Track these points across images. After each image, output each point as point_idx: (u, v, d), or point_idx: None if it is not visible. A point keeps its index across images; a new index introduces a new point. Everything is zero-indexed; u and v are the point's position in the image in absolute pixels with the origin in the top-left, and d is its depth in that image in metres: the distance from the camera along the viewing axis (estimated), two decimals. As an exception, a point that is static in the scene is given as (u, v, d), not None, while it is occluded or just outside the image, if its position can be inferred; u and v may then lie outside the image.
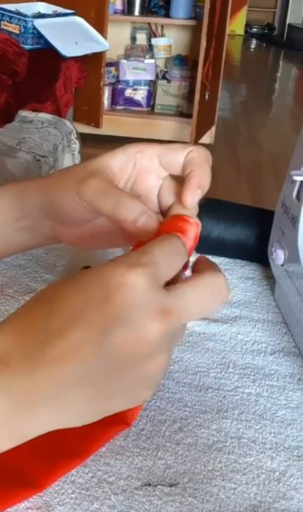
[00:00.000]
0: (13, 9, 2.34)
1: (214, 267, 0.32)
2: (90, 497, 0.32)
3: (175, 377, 0.41)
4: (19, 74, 2.23)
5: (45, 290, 0.31)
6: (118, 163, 0.38)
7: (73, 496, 0.32)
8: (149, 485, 0.33)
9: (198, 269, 0.32)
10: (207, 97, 2.81)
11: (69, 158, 2.10)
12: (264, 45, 5.80)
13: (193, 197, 0.36)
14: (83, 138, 2.28)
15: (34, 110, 2.13)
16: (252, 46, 5.35)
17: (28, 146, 1.95)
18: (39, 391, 0.28)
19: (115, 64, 3.02)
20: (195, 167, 0.37)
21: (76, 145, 2.16)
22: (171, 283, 0.30)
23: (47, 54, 2.31)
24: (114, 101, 3.10)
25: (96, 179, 0.37)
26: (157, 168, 0.39)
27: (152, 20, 3.03)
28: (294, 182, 0.50)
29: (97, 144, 2.68)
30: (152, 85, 3.14)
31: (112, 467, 0.34)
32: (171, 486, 0.33)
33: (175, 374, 0.42)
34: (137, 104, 3.05)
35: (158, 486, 0.32)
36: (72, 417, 0.30)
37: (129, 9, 2.94)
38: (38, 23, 2.23)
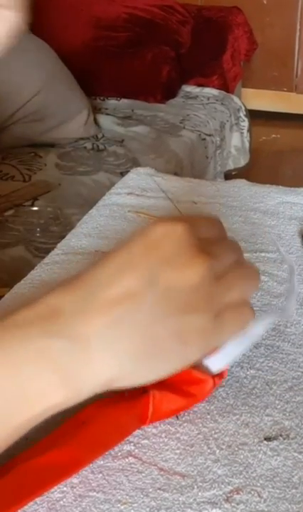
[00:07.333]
0: None
1: None
2: (194, 452, 0.46)
3: (290, 339, 0.59)
4: (183, 45, 2.90)
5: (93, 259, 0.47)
6: None
7: (178, 451, 0.47)
8: (269, 439, 0.47)
9: None
10: None
11: (237, 137, 2.66)
12: None
13: None
14: (253, 115, 2.83)
15: (199, 85, 2.76)
16: None
17: (192, 123, 2.57)
18: (93, 333, 0.42)
19: None
20: None
21: (245, 123, 2.73)
22: None
23: (213, 23, 2.96)
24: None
25: None
26: None
27: None
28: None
29: (268, 122, 3.23)
30: None
31: (219, 424, 0.49)
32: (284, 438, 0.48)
33: (291, 336, 0.60)
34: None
35: (264, 441, 0.47)
36: (126, 368, 0.43)
37: None
38: None
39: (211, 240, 0.48)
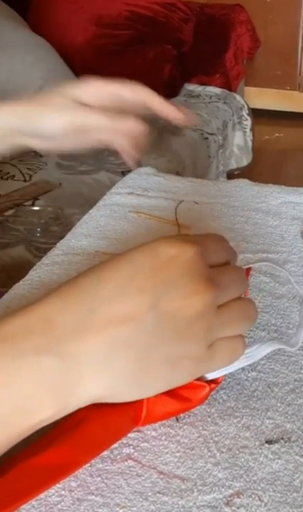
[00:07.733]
0: None
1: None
2: (195, 455, 0.46)
3: (292, 341, 0.60)
4: (185, 43, 2.92)
5: (96, 264, 0.46)
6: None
7: (177, 454, 0.47)
8: (270, 442, 0.47)
9: None
10: None
11: (240, 136, 2.65)
12: None
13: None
14: (255, 114, 2.83)
15: (201, 83, 2.75)
16: None
17: (194, 122, 2.50)
18: (87, 353, 0.42)
19: None
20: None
21: (248, 122, 2.72)
22: None
23: (216, 20, 2.97)
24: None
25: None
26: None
27: None
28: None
29: (271, 121, 3.23)
30: None
31: (220, 427, 0.49)
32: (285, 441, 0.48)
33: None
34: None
35: (265, 444, 0.47)
36: (115, 389, 0.44)
37: None
38: None
39: (219, 267, 0.48)
